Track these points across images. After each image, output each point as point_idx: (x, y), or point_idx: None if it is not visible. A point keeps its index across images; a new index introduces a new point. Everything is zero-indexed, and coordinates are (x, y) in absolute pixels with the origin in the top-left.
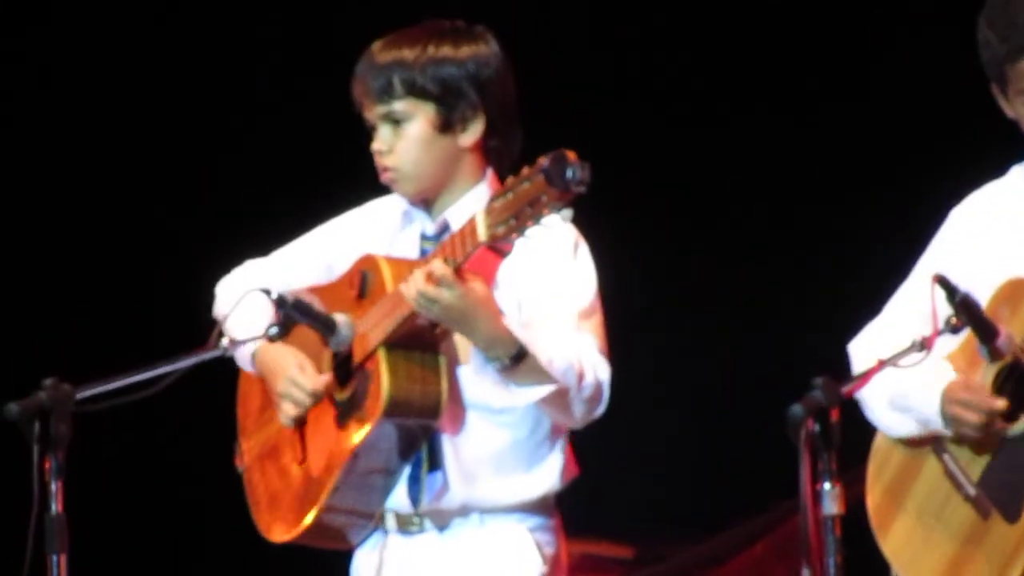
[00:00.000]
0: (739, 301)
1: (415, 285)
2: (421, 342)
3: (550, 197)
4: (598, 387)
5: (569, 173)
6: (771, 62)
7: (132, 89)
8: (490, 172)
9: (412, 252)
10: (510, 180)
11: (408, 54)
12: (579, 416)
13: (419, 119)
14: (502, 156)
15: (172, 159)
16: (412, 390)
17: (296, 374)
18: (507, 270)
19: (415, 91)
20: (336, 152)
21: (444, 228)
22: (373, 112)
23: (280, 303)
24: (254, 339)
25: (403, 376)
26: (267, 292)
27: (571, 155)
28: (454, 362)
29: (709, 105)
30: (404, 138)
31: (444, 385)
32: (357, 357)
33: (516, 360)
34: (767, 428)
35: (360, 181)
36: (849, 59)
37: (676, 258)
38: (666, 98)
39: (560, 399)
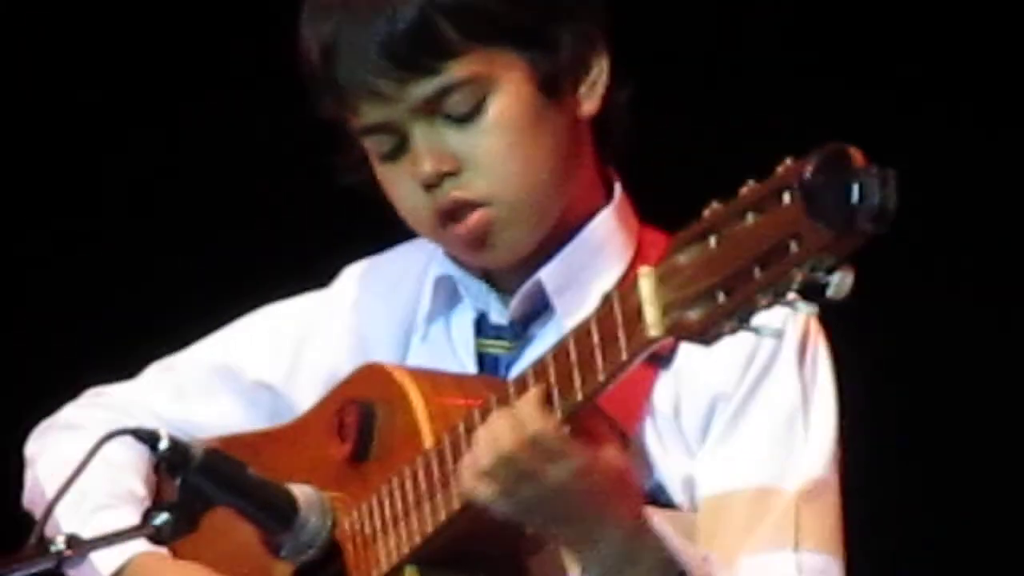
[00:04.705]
0: None
1: (486, 445)
2: (492, 557)
3: (813, 244)
4: None
5: (856, 192)
6: None
7: None
8: (618, 184)
9: (461, 360)
10: (716, 207)
11: None
12: None
13: (513, 80)
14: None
15: None
16: None
17: None
18: (665, 388)
19: (498, 29)
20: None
21: (536, 307)
22: (396, 107)
23: (175, 459)
24: (122, 536)
25: None
26: (146, 437)
27: (856, 154)
28: None
29: None
30: (492, 129)
31: None
32: None
33: None
34: None
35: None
36: None
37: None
38: None
39: None
